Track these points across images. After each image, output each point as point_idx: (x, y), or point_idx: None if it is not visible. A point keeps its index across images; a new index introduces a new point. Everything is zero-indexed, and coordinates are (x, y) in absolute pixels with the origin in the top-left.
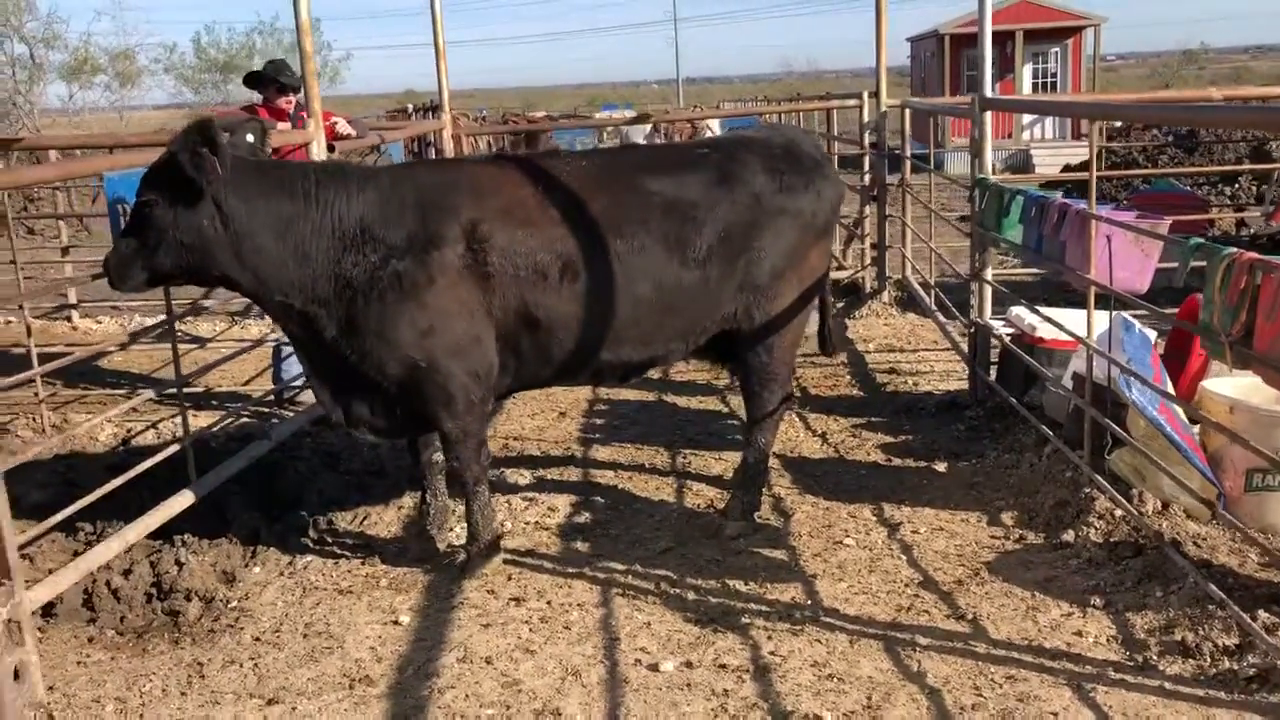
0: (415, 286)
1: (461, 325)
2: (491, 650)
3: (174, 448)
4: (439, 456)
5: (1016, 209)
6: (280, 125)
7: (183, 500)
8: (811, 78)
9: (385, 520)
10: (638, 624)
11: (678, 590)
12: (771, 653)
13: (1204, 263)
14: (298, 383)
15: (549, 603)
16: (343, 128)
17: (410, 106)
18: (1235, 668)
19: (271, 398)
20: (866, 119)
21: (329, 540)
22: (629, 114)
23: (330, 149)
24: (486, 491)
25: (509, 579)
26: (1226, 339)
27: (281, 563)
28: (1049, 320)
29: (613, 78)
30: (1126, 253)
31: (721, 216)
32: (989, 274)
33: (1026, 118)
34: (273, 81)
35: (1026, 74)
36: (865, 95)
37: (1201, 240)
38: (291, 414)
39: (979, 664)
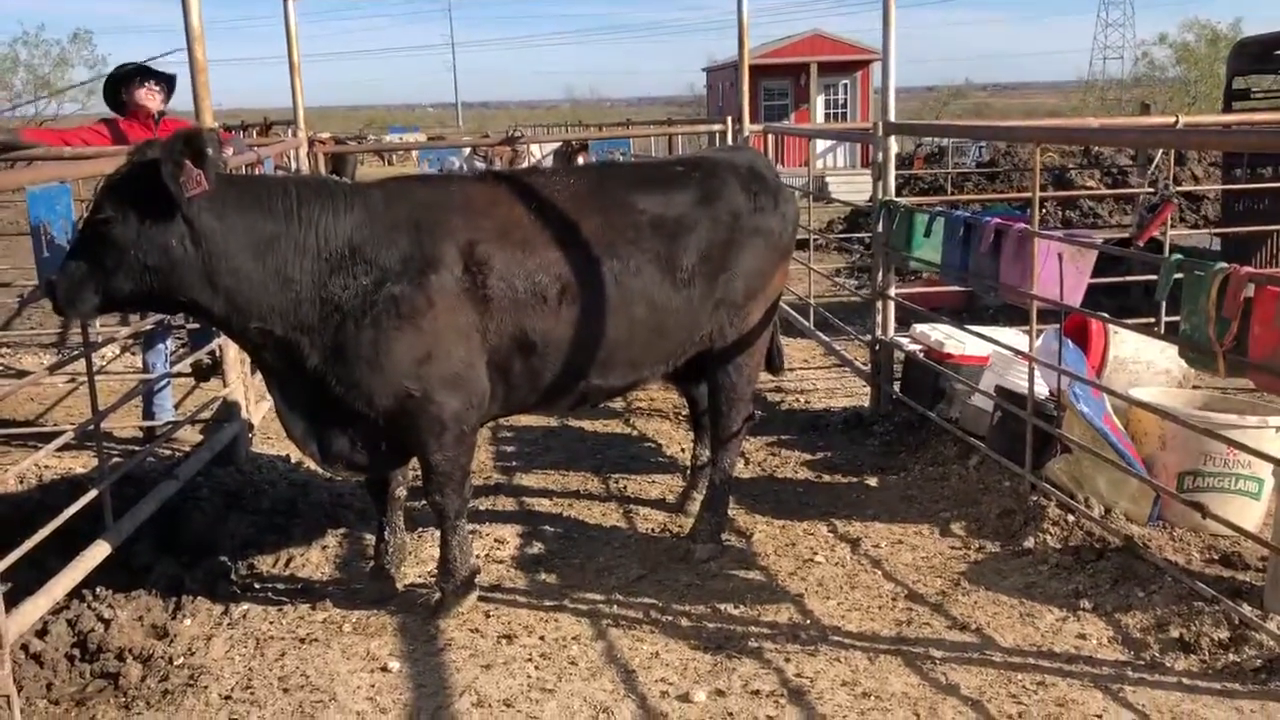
0: (413, 311)
1: (459, 352)
2: (505, 692)
3: (92, 493)
4: (402, 492)
5: (939, 229)
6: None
7: (101, 549)
8: (591, 104)
9: (312, 561)
10: (645, 654)
11: (669, 617)
12: (797, 675)
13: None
14: (170, 417)
15: (542, 638)
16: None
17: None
18: (1238, 660)
19: (141, 434)
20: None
21: (257, 586)
22: (419, 137)
23: None
24: (466, 526)
25: (487, 616)
26: (1221, 348)
27: (215, 613)
28: (984, 337)
29: (388, 100)
30: (1065, 270)
31: (705, 235)
32: (892, 292)
33: (820, 146)
34: (138, 72)
35: (820, 104)
36: (729, 121)
37: (1182, 257)
38: (169, 451)
39: (1003, 672)
